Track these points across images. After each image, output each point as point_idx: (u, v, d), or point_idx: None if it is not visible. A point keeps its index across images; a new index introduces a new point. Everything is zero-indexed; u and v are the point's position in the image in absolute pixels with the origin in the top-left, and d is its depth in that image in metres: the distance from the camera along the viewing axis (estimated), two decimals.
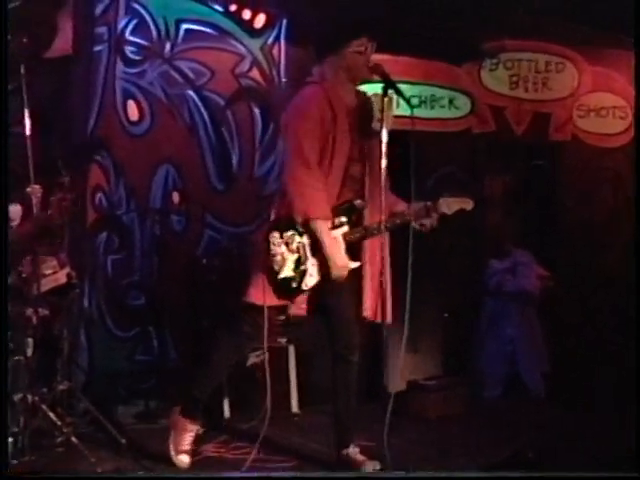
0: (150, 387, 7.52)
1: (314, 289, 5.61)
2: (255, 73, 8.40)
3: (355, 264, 5.57)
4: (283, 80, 8.41)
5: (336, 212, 5.54)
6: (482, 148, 8.88)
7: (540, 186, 9.04)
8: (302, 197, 5.43)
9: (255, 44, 8.42)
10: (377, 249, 5.42)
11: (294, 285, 5.57)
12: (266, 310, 5.58)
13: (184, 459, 5.84)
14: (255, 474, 4.85)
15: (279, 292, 5.60)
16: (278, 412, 7.01)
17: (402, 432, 5.37)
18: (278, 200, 5.71)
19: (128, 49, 8.05)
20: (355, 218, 5.59)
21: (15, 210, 6.13)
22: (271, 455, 5.97)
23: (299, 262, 5.56)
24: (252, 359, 6.99)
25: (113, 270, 7.95)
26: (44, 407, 5.96)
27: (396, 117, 5.29)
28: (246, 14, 8.39)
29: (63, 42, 7.70)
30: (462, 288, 8.53)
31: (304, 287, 5.58)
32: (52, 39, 7.53)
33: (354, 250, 5.58)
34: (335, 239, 5.49)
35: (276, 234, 5.56)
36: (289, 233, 5.55)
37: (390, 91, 5.14)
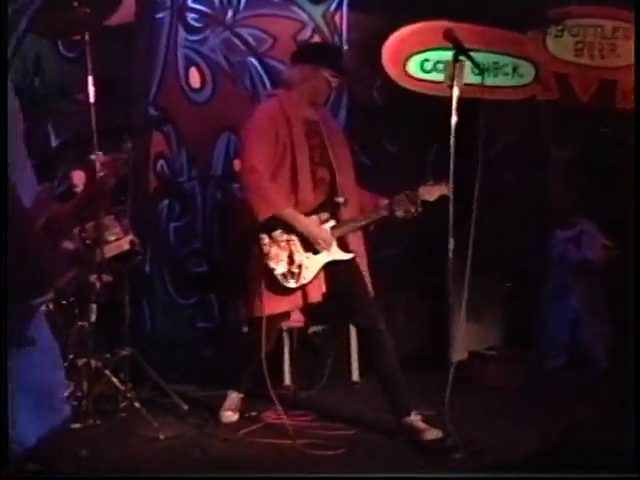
0: (211, 354, 7.61)
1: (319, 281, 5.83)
2: (317, 40, 8.40)
3: (348, 255, 5.85)
4: (345, 47, 8.41)
5: (319, 209, 5.87)
6: (546, 116, 8.82)
7: (605, 155, 8.96)
8: (258, 200, 5.74)
9: (317, 11, 8.41)
10: (359, 240, 5.94)
11: (291, 280, 5.76)
12: (265, 320, 5.77)
13: (229, 415, 6.12)
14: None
15: (278, 291, 5.80)
16: (338, 380, 7.13)
17: (463, 401, 5.39)
18: None
19: (190, 16, 8.11)
20: (337, 214, 5.88)
21: (78, 176, 6.23)
22: (329, 422, 6.06)
23: (292, 257, 5.76)
24: (313, 327, 7.06)
25: (175, 237, 8.03)
26: (107, 372, 6.09)
27: (466, 85, 5.35)
28: None
29: (126, 10, 7.81)
30: (526, 258, 8.51)
31: (303, 280, 5.78)
32: (115, 7, 7.63)
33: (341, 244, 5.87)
34: (308, 218, 5.79)
35: (264, 235, 5.75)
36: (276, 232, 5.76)
37: (461, 57, 5.20)
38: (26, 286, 3.10)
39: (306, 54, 6.15)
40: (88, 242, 6.03)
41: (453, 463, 5.04)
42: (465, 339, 6.03)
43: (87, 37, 5.78)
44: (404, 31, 7.91)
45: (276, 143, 5.78)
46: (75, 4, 5.95)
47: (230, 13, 8.17)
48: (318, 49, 6.71)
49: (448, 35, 5.30)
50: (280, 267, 5.73)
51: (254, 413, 6.13)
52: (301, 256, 5.77)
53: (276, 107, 5.91)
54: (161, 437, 5.73)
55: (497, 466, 4.98)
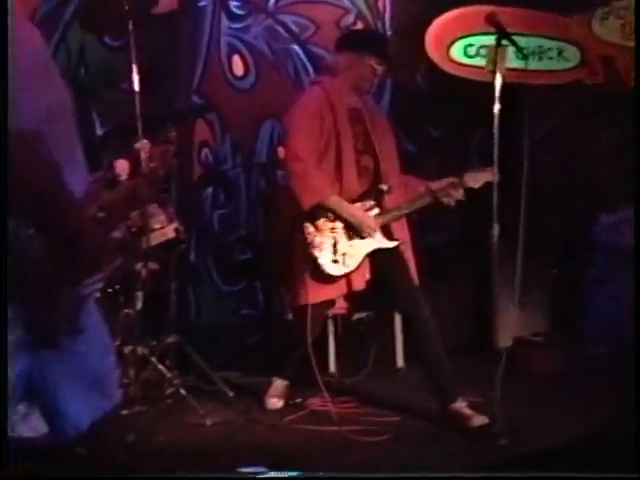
0: (256, 341, 7.67)
1: (364, 268, 5.84)
2: (360, 26, 8.43)
3: (392, 243, 5.83)
4: (388, 32, 8.43)
5: (364, 197, 5.85)
6: (592, 100, 8.77)
7: None
8: (302, 188, 5.74)
9: None
10: (402, 227, 5.91)
11: (336, 268, 5.77)
12: (310, 308, 5.78)
13: (274, 402, 6.16)
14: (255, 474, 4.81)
15: (322, 279, 5.81)
16: (383, 367, 7.15)
17: (509, 388, 5.39)
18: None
19: (232, 4, 8.18)
20: (381, 202, 5.87)
21: (122, 165, 6.28)
22: (374, 409, 6.05)
23: (335, 246, 5.76)
24: (358, 314, 7.08)
25: (219, 225, 8.11)
26: (153, 359, 6.15)
27: (508, 69, 5.35)
28: None
29: None
30: (570, 244, 8.48)
31: (346, 269, 5.78)
32: None
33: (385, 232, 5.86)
34: (353, 205, 5.78)
35: (308, 224, 5.76)
36: (320, 220, 5.77)
37: (504, 42, 5.20)
38: (78, 275, 3.15)
39: (351, 41, 6.12)
40: (134, 230, 6.06)
41: (498, 449, 5.06)
42: (510, 325, 6.04)
43: (131, 26, 5.83)
44: (447, 16, 7.92)
45: (321, 131, 5.78)
46: None
47: (272, 0, 8.21)
48: (363, 36, 6.69)
49: (491, 19, 5.28)
50: (324, 256, 5.73)
51: (299, 400, 6.15)
52: (345, 245, 5.76)
53: (321, 95, 5.90)
54: (207, 423, 5.78)
55: (540, 452, 4.99)
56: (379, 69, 5.95)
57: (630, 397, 4.94)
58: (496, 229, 5.16)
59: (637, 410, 4.69)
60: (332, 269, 5.75)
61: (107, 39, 7.97)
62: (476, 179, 5.77)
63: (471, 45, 7.91)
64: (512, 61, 5.40)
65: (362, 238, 5.77)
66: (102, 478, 1.89)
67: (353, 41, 6.13)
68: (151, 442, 5.39)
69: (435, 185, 5.88)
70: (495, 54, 5.16)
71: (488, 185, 5.54)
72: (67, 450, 3.37)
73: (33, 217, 3.08)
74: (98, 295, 3.60)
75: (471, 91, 6.99)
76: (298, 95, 6.22)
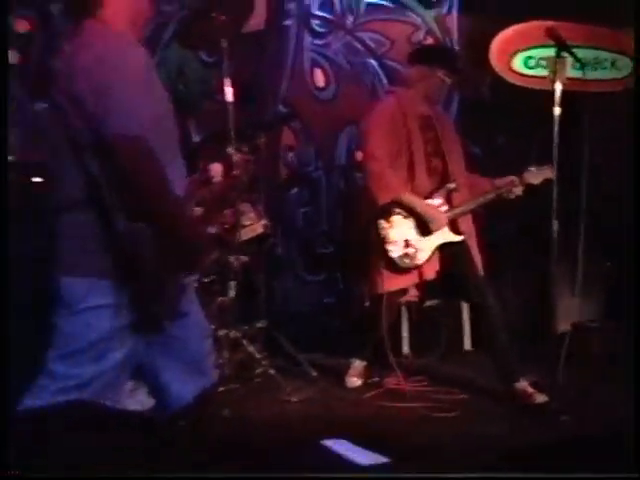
0: (336, 326, 7.68)
1: (433, 260, 5.85)
2: (429, 41, 8.42)
3: (459, 237, 5.85)
4: (456, 47, 8.41)
5: (434, 195, 5.86)
6: None
7: None
8: (378, 186, 5.77)
9: (430, 14, 8.41)
10: (468, 222, 5.93)
11: (407, 261, 5.78)
12: (385, 296, 5.83)
13: (354, 381, 6.17)
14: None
15: (395, 270, 5.82)
16: (452, 349, 7.14)
17: (567, 369, 5.35)
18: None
19: (315, 22, 8.19)
20: (449, 199, 5.87)
21: (216, 168, 6.35)
22: (444, 387, 6.03)
23: (407, 240, 5.78)
24: (429, 301, 7.07)
25: (303, 221, 8.14)
26: (245, 342, 6.16)
27: (568, 78, 5.32)
28: None
29: (258, 18, 7.93)
30: (624, 238, 8.37)
31: (417, 262, 5.80)
32: (248, 16, 7.74)
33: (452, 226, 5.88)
34: (425, 201, 5.80)
35: (382, 220, 5.77)
36: (394, 216, 5.77)
37: (563, 53, 5.18)
38: (180, 266, 3.19)
39: (422, 56, 6.15)
40: (227, 227, 6.13)
41: (558, 425, 5.03)
42: (569, 312, 6.00)
43: (224, 44, 5.88)
44: (509, 31, 7.86)
45: (394, 136, 5.80)
46: (213, 15, 6.06)
47: (351, 19, 8.24)
48: (434, 51, 6.73)
49: (551, 33, 5.25)
50: (397, 250, 5.76)
51: (376, 379, 6.15)
52: (416, 239, 5.79)
53: (394, 103, 5.93)
54: (293, 400, 5.80)
55: (596, 430, 4.95)
56: (448, 81, 5.97)
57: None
58: (555, 225, 5.14)
59: (637, 410, 4.60)
60: (404, 262, 5.77)
61: (203, 56, 8.02)
62: (536, 176, 5.75)
63: (531, 57, 7.84)
64: (570, 71, 5.38)
65: (432, 233, 5.77)
66: (103, 478, 1.90)
67: (424, 55, 6.15)
68: (243, 416, 5.42)
69: (498, 182, 5.88)
70: (555, 65, 5.14)
71: (548, 182, 5.53)
72: (170, 422, 3.41)
73: (142, 213, 3.12)
74: (196, 284, 3.64)
75: (531, 99, 6.94)
76: (374, 104, 6.23)
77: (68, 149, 3.26)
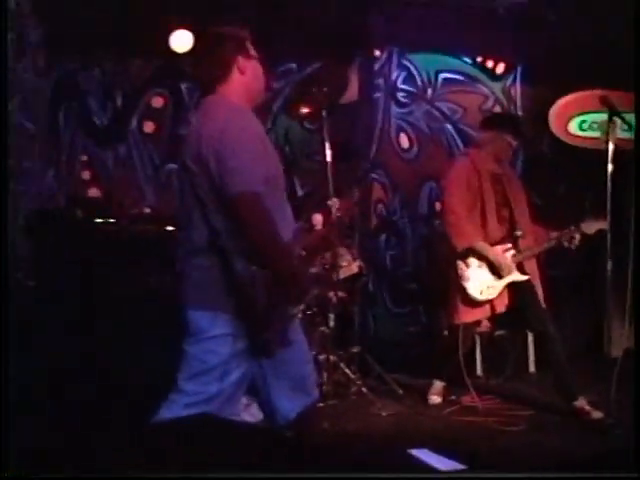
0: (420, 351, 7.64)
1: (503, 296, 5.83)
2: (497, 109, 8.42)
3: (525, 277, 5.81)
4: (519, 113, 8.40)
5: (502, 241, 5.84)
6: None
7: None
8: (456, 234, 5.78)
9: (497, 86, 8.45)
10: (532, 263, 5.89)
11: (481, 297, 5.78)
12: (461, 328, 5.84)
13: (435, 399, 6.11)
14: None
15: (470, 304, 5.82)
16: (519, 372, 7.07)
17: (619, 389, 5.26)
18: None
19: (399, 94, 8.24)
20: (516, 245, 5.85)
21: (318, 218, 6.41)
22: (512, 405, 6.00)
23: (481, 279, 5.78)
24: (499, 331, 7.03)
25: (391, 263, 8.15)
26: (342, 365, 6.18)
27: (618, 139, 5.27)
28: (489, 63, 8.45)
29: (351, 92, 8.00)
30: None
31: (489, 297, 5.79)
32: (344, 90, 7.82)
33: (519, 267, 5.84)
34: (495, 248, 5.79)
35: (460, 262, 5.79)
36: (469, 259, 5.78)
37: (615, 118, 5.14)
38: (288, 301, 3.22)
39: (492, 122, 6.15)
40: (327, 267, 6.17)
41: (613, 437, 4.95)
42: (621, 338, 5.91)
43: (324, 113, 5.93)
44: (565, 99, 7.85)
45: (469, 190, 5.81)
46: (314, 90, 6.14)
47: (430, 91, 8.30)
48: (501, 118, 6.68)
49: (604, 100, 5.22)
50: (472, 287, 5.77)
51: (454, 397, 6.11)
52: (488, 278, 5.78)
53: (469, 163, 5.93)
54: (383, 414, 5.79)
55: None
56: (514, 144, 5.97)
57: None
58: (610, 264, 5.09)
59: (637, 410, 4.47)
60: (478, 298, 5.76)
61: (305, 124, 8.11)
62: (591, 227, 5.68)
63: (585, 121, 7.81)
64: (620, 132, 5.33)
65: (501, 275, 5.76)
66: (102, 478, 1.87)
67: (494, 122, 6.16)
68: (340, 428, 5.42)
69: (560, 232, 5.81)
70: (608, 127, 5.10)
71: (600, 232, 5.47)
72: (278, 433, 3.42)
73: (257, 257, 3.17)
74: (301, 316, 3.66)
75: (585, 157, 6.89)
76: (451, 163, 6.23)
77: (195, 204, 3.32)
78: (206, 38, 3.65)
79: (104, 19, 6.96)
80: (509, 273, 5.75)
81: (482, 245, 5.76)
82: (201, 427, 3.03)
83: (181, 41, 7.09)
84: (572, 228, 5.75)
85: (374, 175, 8.11)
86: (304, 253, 3.70)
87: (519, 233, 5.85)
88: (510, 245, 5.83)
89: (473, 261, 5.77)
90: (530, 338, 7.07)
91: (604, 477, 3.63)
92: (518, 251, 5.82)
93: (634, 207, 5.60)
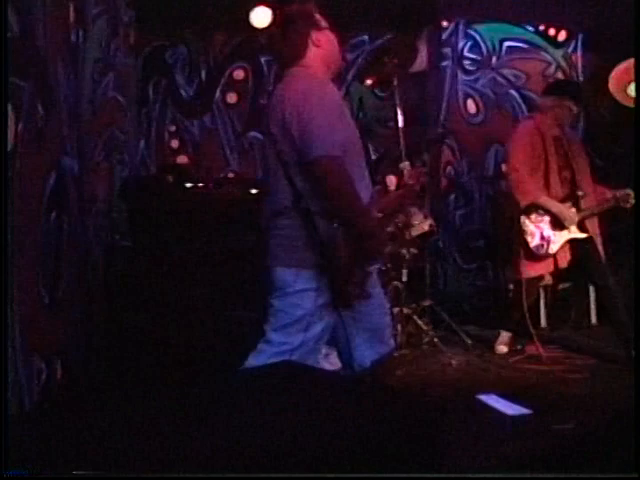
0: (487, 304, 7.63)
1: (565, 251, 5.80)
2: (559, 75, 8.31)
3: (584, 235, 5.77)
4: (580, 79, 8.28)
5: (564, 201, 5.79)
6: None
7: None
8: (520, 191, 5.78)
9: (558, 53, 8.32)
10: (593, 222, 5.84)
11: (543, 251, 5.75)
12: (524, 283, 5.81)
13: (502, 348, 6.10)
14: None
15: (533, 259, 5.79)
16: (581, 323, 7.02)
17: None
18: None
19: (466, 63, 8.16)
20: (578, 204, 5.78)
21: (391, 180, 6.41)
22: (575, 354, 5.99)
23: (543, 234, 5.74)
24: (562, 284, 6.98)
25: (460, 221, 8.13)
26: (414, 317, 6.22)
27: None
28: (551, 31, 8.31)
29: (421, 61, 7.93)
30: None
31: (550, 252, 5.77)
32: (414, 59, 7.76)
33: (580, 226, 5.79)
34: (559, 205, 5.74)
35: (524, 217, 5.76)
36: (532, 215, 5.76)
37: None
38: (367, 258, 3.24)
39: (555, 89, 6.13)
40: (400, 225, 6.17)
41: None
42: None
43: (395, 81, 5.90)
44: (625, 64, 7.64)
45: (533, 152, 5.78)
46: (385, 59, 6.11)
47: (494, 59, 8.19)
48: (564, 85, 6.63)
49: None
50: (534, 241, 5.75)
51: (519, 347, 6.08)
52: (550, 233, 5.75)
53: (533, 126, 5.90)
54: (453, 363, 5.81)
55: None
56: (575, 109, 5.95)
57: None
58: None
59: (637, 410, 4.37)
60: (539, 251, 5.75)
61: (377, 91, 8.08)
62: None
63: None
64: None
65: (565, 228, 5.71)
66: (102, 478, 1.86)
67: (556, 88, 6.12)
68: (413, 375, 5.48)
69: (617, 193, 5.75)
70: None
71: None
72: (356, 380, 3.45)
73: (339, 216, 3.19)
74: (377, 271, 3.67)
75: None
76: (516, 126, 6.17)
77: (278, 167, 3.35)
78: (279, 19, 3.67)
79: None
80: (572, 224, 5.72)
81: (545, 199, 5.75)
82: (285, 374, 3.08)
83: (260, 17, 7.12)
84: (628, 190, 5.70)
85: (443, 140, 8.05)
86: (380, 215, 3.72)
87: (581, 193, 5.80)
88: (571, 204, 5.78)
89: (536, 217, 5.76)
90: (592, 291, 6.99)
91: (604, 477, 3.57)
92: (579, 210, 5.77)
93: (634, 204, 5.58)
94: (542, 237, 5.75)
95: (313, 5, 3.60)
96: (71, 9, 4.52)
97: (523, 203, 5.75)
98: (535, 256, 5.77)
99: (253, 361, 3.36)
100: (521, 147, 5.81)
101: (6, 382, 3.30)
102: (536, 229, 5.75)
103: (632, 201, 5.69)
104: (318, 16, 3.57)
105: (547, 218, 5.76)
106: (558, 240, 5.75)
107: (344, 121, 3.37)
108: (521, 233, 5.78)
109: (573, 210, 5.76)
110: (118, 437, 2.14)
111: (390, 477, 3.20)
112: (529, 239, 5.75)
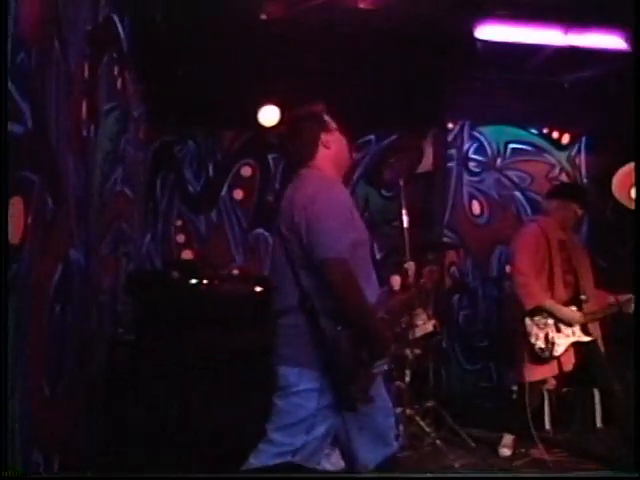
0: (491, 406, 7.55)
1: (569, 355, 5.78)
2: (563, 177, 8.41)
3: (589, 338, 5.78)
4: (584, 180, 8.37)
5: (568, 304, 5.81)
6: None
7: None
8: (525, 294, 5.77)
9: (562, 156, 8.45)
10: (595, 326, 5.85)
11: (547, 354, 5.72)
12: (527, 386, 5.81)
13: (505, 451, 6.01)
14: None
15: (537, 362, 5.78)
16: (586, 426, 6.94)
17: None
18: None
19: (471, 164, 8.28)
20: (581, 309, 5.80)
21: (396, 280, 6.40)
22: (580, 458, 5.92)
23: (547, 337, 5.72)
24: (566, 388, 6.92)
25: (464, 321, 8.12)
26: (417, 418, 6.14)
27: None
28: (555, 134, 8.46)
29: (426, 162, 8.06)
30: None
31: (555, 354, 5.74)
32: (420, 161, 7.86)
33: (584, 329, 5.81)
34: (564, 308, 5.76)
35: (528, 320, 5.77)
36: (536, 318, 5.76)
37: None
38: (372, 359, 3.24)
39: (560, 191, 6.21)
40: (403, 326, 6.16)
41: None
42: None
43: (401, 182, 5.97)
44: (628, 166, 7.76)
45: (538, 255, 5.83)
46: (392, 160, 6.19)
47: (499, 160, 8.32)
48: (569, 188, 6.71)
49: None
50: (539, 343, 5.74)
51: (523, 450, 5.99)
52: (554, 335, 5.74)
53: (537, 229, 5.96)
54: (456, 465, 5.72)
55: None
56: (579, 212, 6.04)
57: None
58: None
59: (637, 410, 4.32)
60: (544, 354, 5.74)
61: (383, 192, 8.18)
62: None
63: None
64: None
65: (567, 332, 5.72)
66: (104, 478, 1.80)
67: (561, 192, 6.20)
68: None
69: (620, 297, 5.76)
70: None
71: None
72: None
73: (345, 317, 3.20)
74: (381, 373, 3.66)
75: None
76: (521, 229, 6.22)
77: (286, 266, 3.37)
78: (289, 120, 3.74)
79: (198, 97, 7.16)
80: (577, 323, 5.74)
81: (551, 302, 5.76)
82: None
83: (268, 116, 7.28)
84: (630, 295, 5.72)
85: (448, 239, 8.10)
86: (387, 316, 3.71)
87: (584, 297, 5.82)
88: (575, 309, 5.81)
89: (540, 320, 5.75)
90: (596, 394, 6.94)
91: (604, 477, 3.53)
92: (583, 314, 5.78)
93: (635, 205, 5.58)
94: (546, 340, 5.72)
95: (322, 107, 3.68)
96: (84, 104, 4.61)
97: (528, 306, 5.75)
98: (539, 359, 5.75)
99: (254, 461, 3.33)
100: (526, 250, 5.85)
101: (6, 382, 3.26)
102: (540, 332, 5.74)
103: (633, 306, 5.69)
104: (327, 117, 3.64)
105: (551, 321, 5.76)
106: (563, 343, 5.74)
107: (354, 221, 3.41)
108: (525, 335, 5.77)
109: (579, 313, 5.77)
110: None
111: (390, 477, 3.18)
112: (533, 341, 5.74)
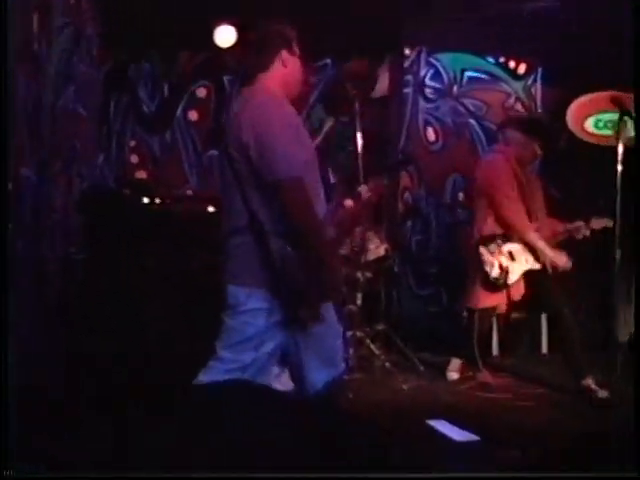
0: (440, 330, 7.65)
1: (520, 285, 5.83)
2: (519, 106, 8.38)
3: (539, 265, 5.79)
4: (539, 111, 8.37)
5: None
6: None
7: None
8: (516, 220, 5.75)
9: (518, 85, 8.37)
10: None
11: (501, 282, 5.77)
12: (478, 312, 5.91)
13: (452, 375, 6.13)
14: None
15: (490, 289, 5.82)
16: (532, 352, 7.09)
17: (625, 371, 5.24)
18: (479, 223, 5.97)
19: (427, 90, 8.21)
20: None
21: (348, 203, 6.40)
22: (524, 383, 6.05)
23: (502, 265, 5.76)
24: (514, 313, 7.02)
25: (416, 247, 8.16)
26: (367, 341, 6.20)
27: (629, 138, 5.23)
28: (511, 64, 8.39)
29: (382, 87, 8.00)
30: None
31: (509, 282, 5.79)
32: (374, 85, 7.82)
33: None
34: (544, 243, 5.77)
35: (482, 248, 5.80)
36: (491, 246, 5.79)
37: (625, 117, 5.09)
38: (321, 279, 3.24)
39: (524, 125, 6.17)
40: (356, 249, 6.20)
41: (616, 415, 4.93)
42: (628, 323, 5.91)
43: (357, 106, 5.94)
44: (582, 99, 7.78)
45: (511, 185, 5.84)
46: (347, 84, 6.14)
47: (455, 88, 8.23)
48: (535, 126, 6.40)
49: (615, 100, 5.17)
50: (493, 271, 5.77)
51: (470, 374, 6.11)
52: (508, 264, 5.78)
53: (505, 160, 5.93)
54: (404, 388, 5.82)
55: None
56: (539, 153, 6.05)
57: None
58: (618, 253, 5.05)
59: (637, 410, 4.43)
60: (498, 282, 5.79)
61: (339, 116, 8.13)
62: (599, 223, 5.70)
63: (600, 120, 7.73)
64: (631, 132, 5.28)
65: (520, 262, 5.79)
66: (102, 478, 1.82)
67: (528, 127, 6.11)
68: (363, 399, 5.46)
69: (570, 225, 5.84)
70: (619, 126, 5.04)
71: (606, 229, 5.51)
72: (307, 402, 3.45)
73: (292, 239, 3.20)
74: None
75: (600, 154, 6.83)
76: (487, 159, 6.27)
77: (235, 187, 3.35)
78: (256, 29, 3.67)
79: (153, 17, 7.01)
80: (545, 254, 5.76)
81: (534, 235, 5.77)
82: (235, 392, 3.08)
83: (224, 36, 7.16)
84: (581, 223, 5.79)
85: (402, 165, 8.09)
86: (335, 232, 3.72)
87: (535, 226, 5.85)
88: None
89: (494, 248, 5.79)
90: (544, 321, 7.06)
91: (604, 477, 3.56)
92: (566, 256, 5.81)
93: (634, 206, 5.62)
94: (501, 268, 5.77)
95: (294, 32, 3.63)
96: (35, 18, 4.50)
97: (523, 236, 5.77)
98: (492, 286, 5.81)
99: (203, 377, 3.35)
100: (506, 181, 5.84)
101: (6, 382, 3.25)
102: (494, 259, 5.78)
103: (586, 233, 5.77)
104: (294, 43, 3.59)
105: (505, 249, 5.79)
106: (516, 271, 5.79)
107: (303, 140, 3.39)
108: (479, 262, 5.81)
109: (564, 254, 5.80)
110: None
111: (390, 477, 3.24)
112: (488, 269, 5.77)
